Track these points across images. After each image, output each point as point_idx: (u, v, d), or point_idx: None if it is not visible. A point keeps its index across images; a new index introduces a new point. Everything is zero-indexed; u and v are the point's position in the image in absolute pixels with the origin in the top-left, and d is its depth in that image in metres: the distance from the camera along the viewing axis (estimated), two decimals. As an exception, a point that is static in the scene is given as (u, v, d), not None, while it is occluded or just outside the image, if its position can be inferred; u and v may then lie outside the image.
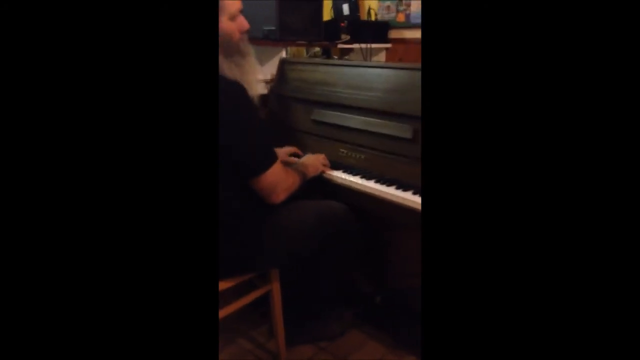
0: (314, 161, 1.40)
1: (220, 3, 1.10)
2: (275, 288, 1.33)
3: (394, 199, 1.23)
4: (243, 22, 1.17)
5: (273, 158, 1.17)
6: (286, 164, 1.36)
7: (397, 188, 1.26)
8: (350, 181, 1.35)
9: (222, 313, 1.21)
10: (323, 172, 1.42)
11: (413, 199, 1.19)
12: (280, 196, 1.20)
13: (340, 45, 2.34)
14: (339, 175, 1.39)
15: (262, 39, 1.85)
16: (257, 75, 1.24)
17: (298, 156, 1.55)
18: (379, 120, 1.41)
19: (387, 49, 2.64)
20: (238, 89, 1.11)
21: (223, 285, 1.19)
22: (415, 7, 2.54)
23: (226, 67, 1.13)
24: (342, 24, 2.26)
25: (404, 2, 2.60)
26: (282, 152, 1.52)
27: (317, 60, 2.07)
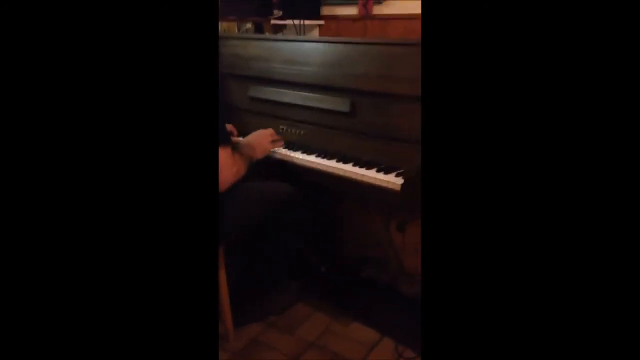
0: (261, 141, 1.34)
1: None
2: (220, 268, 1.31)
3: (337, 171, 1.25)
4: None
5: (223, 140, 1.13)
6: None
7: (338, 161, 1.28)
8: (292, 157, 1.35)
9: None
10: (275, 148, 1.37)
11: (355, 171, 1.22)
12: (223, 184, 1.15)
13: (272, 22, 2.29)
14: (280, 151, 1.39)
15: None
16: None
17: (233, 135, 1.52)
18: (316, 95, 1.41)
19: (320, 25, 2.64)
20: None
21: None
22: (346, -17, 2.54)
23: None
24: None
25: (334, -22, 2.59)
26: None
27: (252, 35, 2.02)
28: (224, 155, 1.13)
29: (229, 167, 1.15)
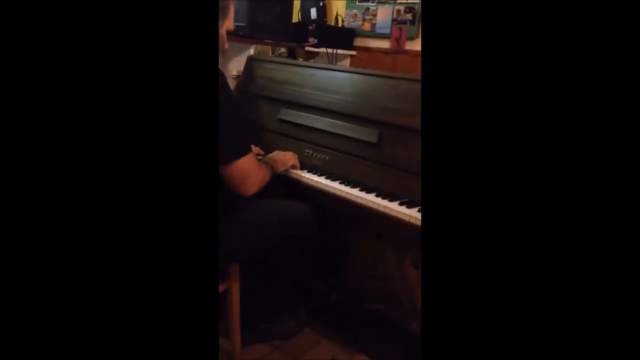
0: (282, 157, 1.40)
1: (226, 6, 1.18)
2: (234, 285, 1.32)
3: (359, 200, 1.26)
4: (231, 24, 1.25)
5: (247, 148, 1.17)
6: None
7: (361, 190, 1.29)
8: (315, 181, 1.37)
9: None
10: (292, 168, 1.42)
11: (377, 201, 1.22)
12: (252, 188, 1.19)
13: (306, 48, 2.36)
14: (304, 175, 1.40)
15: (231, 34, 1.83)
16: (230, 72, 1.28)
17: (260, 155, 1.55)
18: (345, 124, 1.44)
19: (351, 56, 2.70)
20: (220, 76, 1.11)
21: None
22: (381, 17, 2.61)
23: None
24: (310, 27, 2.29)
25: (370, 11, 2.66)
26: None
27: (287, 60, 2.07)
28: (250, 160, 1.17)
29: (256, 172, 1.20)
